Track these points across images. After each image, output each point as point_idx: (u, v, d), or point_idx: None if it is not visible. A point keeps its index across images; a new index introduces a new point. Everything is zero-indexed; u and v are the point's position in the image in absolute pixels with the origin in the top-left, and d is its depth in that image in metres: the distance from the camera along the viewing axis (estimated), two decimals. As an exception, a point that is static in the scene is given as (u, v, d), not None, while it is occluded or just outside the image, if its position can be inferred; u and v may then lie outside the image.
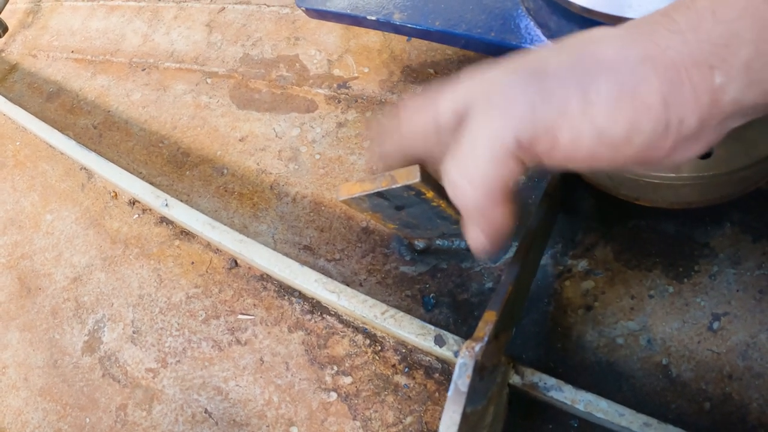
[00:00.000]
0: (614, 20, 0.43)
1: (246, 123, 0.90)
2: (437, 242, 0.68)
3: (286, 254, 0.70)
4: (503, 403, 0.55)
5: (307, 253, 0.74)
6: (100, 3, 1.24)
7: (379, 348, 0.65)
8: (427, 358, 0.63)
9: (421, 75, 0.84)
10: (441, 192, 0.54)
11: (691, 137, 0.33)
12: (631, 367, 0.57)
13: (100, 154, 0.89)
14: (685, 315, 0.58)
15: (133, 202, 0.88)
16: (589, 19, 0.45)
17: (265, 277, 0.74)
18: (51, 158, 1.01)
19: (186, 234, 0.82)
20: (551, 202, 0.59)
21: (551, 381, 0.54)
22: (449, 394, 0.40)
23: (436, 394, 0.61)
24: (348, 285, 0.66)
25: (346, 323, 0.68)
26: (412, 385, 0.62)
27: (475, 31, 0.53)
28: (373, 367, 0.64)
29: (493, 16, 0.53)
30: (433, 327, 0.60)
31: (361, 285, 0.69)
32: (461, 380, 0.40)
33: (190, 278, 0.77)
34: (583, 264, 0.63)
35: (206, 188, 0.85)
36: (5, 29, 1.26)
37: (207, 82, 0.98)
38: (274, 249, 0.71)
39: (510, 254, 0.66)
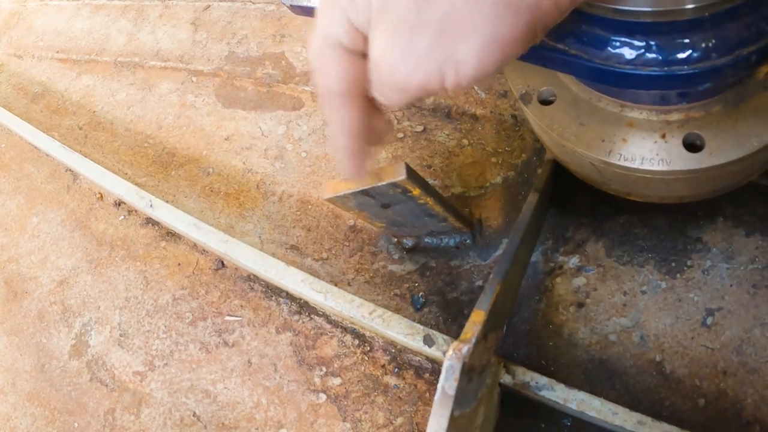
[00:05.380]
0: (608, 12, 0.42)
1: (232, 122, 0.89)
2: (426, 240, 0.67)
3: (273, 254, 0.69)
4: (494, 403, 0.54)
5: (294, 253, 0.73)
6: (84, 2, 1.23)
7: (368, 348, 0.64)
8: (417, 358, 0.62)
9: (409, 70, 0.83)
10: (427, 189, 0.53)
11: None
12: (624, 365, 0.57)
13: (85, 155, 0.88)
14: (678, 311, 0.57)
15: (118, 204, 0.87)
16: (579, 11, 0.44)
17: (252, 278, 0.73)
18: (36, 160, 0.99)
19: (172, 235, 0.80)
20: (541, 197, 0.58)
21: (543, 380, 0.54)
22: (436, 397, 0.39)
23: (427, 394, 0.60)
24: (336, 285, 0.65)
25: (335, 324, 0.67)
26: (402, 385, 0.62)
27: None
28: (363, 368, 0.63)
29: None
30: (421, 327, 0.59)
31: (349, 284, 0.68)
32: (448, 383, 0.39)
33: (177, 280, 0.76)
34: (574, 260, 0.62)
35: (192, 188, 0.84)
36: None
37: (192, 81, 0.97)
38: (261, 249, 0.70)
39: (499, 251, 0.65)
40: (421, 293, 0.65)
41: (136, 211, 0.85)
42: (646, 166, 0.49)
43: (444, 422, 0.38)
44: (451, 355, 0.40)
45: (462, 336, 0.41)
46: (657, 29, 0.41)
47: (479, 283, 0.64)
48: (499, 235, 0.66)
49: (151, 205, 0.77)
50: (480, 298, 0.45)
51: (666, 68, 0.42)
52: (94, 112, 1.02)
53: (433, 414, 0.38)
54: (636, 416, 0.50)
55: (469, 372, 0.41)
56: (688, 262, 0.59)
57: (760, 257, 0.57)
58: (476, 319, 0.42)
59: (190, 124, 0.91)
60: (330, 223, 0.74)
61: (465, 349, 0.40)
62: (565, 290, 0.61)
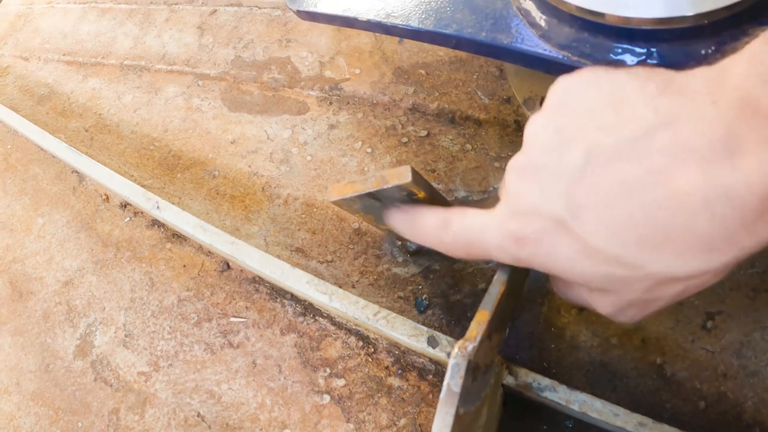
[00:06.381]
0: (614, 20, 0.42)
1: (237, 125, 0.89)
2: (430, 243, 0.67)
3: (278, 256, 0.70)
4: (497, 403, 0.54)
5: (299, 255, 0.74)
6: (91, 5, 1.24)
7: (372, 350, 0.65)
8: (421, 360, 0.63)
9: (413, 76, 0.83)
10: (432, 193, 0.53)
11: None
12: (626, 367, 0.57)
13: (91, 157, 0.89)
14: (678, 314, 0.58)
15: (124, 205, 0.87)
16: (581, 19, 0.45)
17: (257, 280, 0.73)
18: (42, 161, 1.00)
19: (178, 237, 0.81)
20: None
21: (545, 381, 0.54)
22: (441, 395, 0.40)
23: (430, 395, 0.61)
24: (340, 287, 0.66)
25: (339, 325, 0.67)
26: (405, 386, 0.62)
27: (465, 31, 0.53)
28: (366, 369, 0.64)
29: (484, 15, 0.53)
30: (425, 328, 0.60)
31: (353, 287, 0.69)
32: (454, 381, 0.40)
33: (182, 281, 0.77)
34: (576, 264, 0.63)
35: (198, 191, 0.85)
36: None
37: (198, 85, 0.97)
38: (266, 251, 0.71)
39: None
40: (424, 296, 0.66)
41: (141, 212, 0.85)
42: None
43: (449, 419, 0.38)
44: (456, 353, 0.40)
45: (467, 334, 0.42)
46: (658, 36, 0.42)
47: (482, 286, 0.65)
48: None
49: (157, 207, 0.78)
50: (484, 299, 0.45)
51: (667, 75, 0.42)
52: (101, 114, 1.02)
53: (439, 411, 0.39)
54: (637, 418, 0.50)
55: (474, 371, 0.42)
56: (689, 267, 0.59)
57: (759, 261, 0.58)
58: (481, 319, 0.43)
59: (196, 127, 0.92)
60: (335, 226, 0.74)
61: (470, 347, 0.40)
62: (567, 293, 0.62)
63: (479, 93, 0.78)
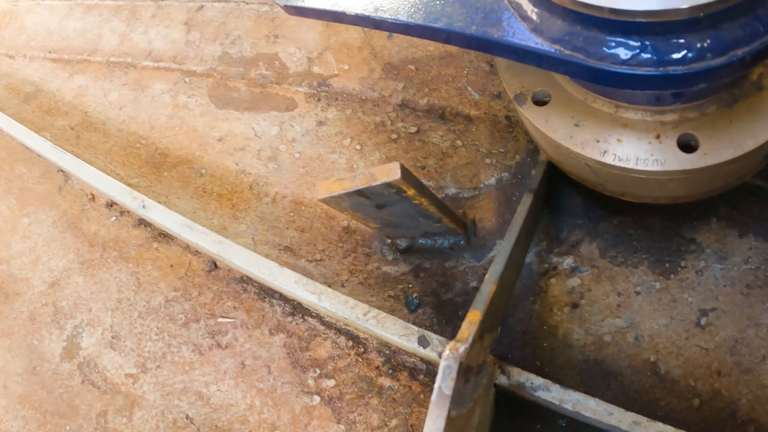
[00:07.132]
0: (604, 12, 0.42)
1: (225, 122, 0.88)
2: (420, 241, 0.67)
3: (267, 255, 0.69)
4: (490, 403, 0.54)
5: (287, 254, 0.73)
6: (77, 2, 1.22)
7: (362, 350, 0.64)
8: (412, 360, 0.62)
9: (402, 72, 0.83)
10: (422, 190, 0.53)
11: None
12: (619, 365, 0.57)
13: (77, 155, 0.88)
14: (672, 311, 0.57)
15: (110, 205, 0.86)
16: (574, 11, 0.44)
17: (245, 279, 0.72)
18: (28, 161, 0.99)
19: (164, 236, 0.80)
20: (535, 199, 0.58)
21: (538, 381, 0.54)
22: (433, 398, 0.39)
23: (422, 396, 0.60)
24: (330, 286, 0.65)
25: (329, 325, 0.67)
26: (396, 387, 0.61)
27: (456, 25, 0.52)
28: (357, 370, 0.63)
29: (474, 9, 0.52)
30: (416, 328, 0.59)
31: (343, 286, 0.68)
32: (445, 383, 0.39)
33: (169, 281, 0.76)
34: (568, 261, 0.62)
35: (185, 189, 0.84)
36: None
37: (185, 82, 0.96)
38: (254, 250, 0.70)
39: (493, 253, 0.65)
40: (415, 294, 0.65)
41: (128, 212, 0.84)
42: (641, 167, 0.49)
43: (441, 423, 0.37)
44: (447, 355, 0.39)
45: (458, 336, 0.41)
46: (652, 29, 0.41)
47: (474, 284, 0.64)
48: (493, 237, 0.66)
49: (143, 206, 0.77)
50: (476, 299, 0.44)
51: (661, 68, 0.42)
52: (87, 112, 1.01)
53: (430, 415, 0.38)
54: (631, 416, 0.50)
55: (465, 372, 0.41)
56: (682, 263, 0.59)
57: (753, 258, 0.57)
58: (472, 319, 0.42)
59: (183, 124, 0.91)
60: (324, 224, 0.73)
61: (462, 348, 0.40)
62: (560, 291, 0.61)
63: (469, 88, 0.77)
